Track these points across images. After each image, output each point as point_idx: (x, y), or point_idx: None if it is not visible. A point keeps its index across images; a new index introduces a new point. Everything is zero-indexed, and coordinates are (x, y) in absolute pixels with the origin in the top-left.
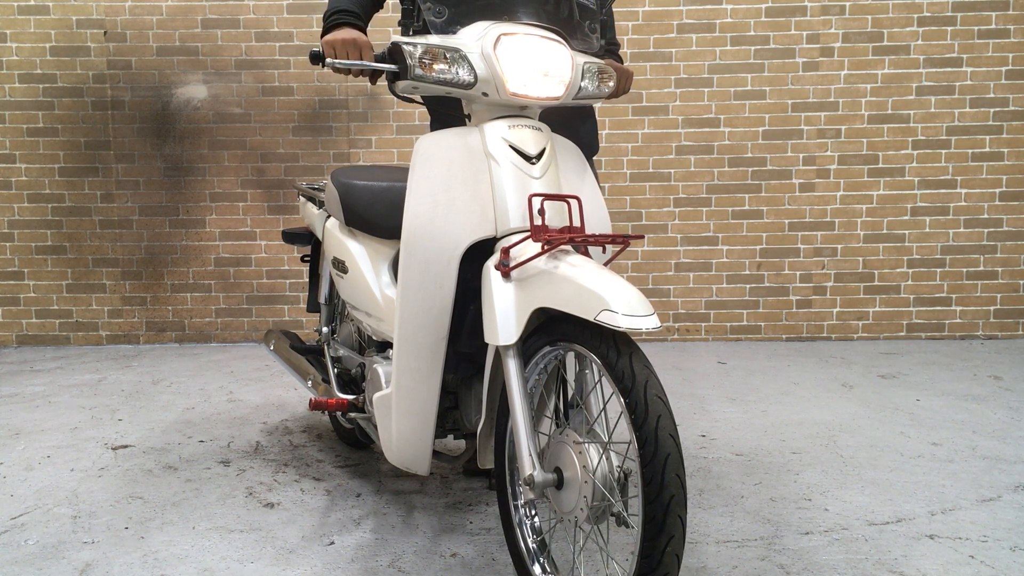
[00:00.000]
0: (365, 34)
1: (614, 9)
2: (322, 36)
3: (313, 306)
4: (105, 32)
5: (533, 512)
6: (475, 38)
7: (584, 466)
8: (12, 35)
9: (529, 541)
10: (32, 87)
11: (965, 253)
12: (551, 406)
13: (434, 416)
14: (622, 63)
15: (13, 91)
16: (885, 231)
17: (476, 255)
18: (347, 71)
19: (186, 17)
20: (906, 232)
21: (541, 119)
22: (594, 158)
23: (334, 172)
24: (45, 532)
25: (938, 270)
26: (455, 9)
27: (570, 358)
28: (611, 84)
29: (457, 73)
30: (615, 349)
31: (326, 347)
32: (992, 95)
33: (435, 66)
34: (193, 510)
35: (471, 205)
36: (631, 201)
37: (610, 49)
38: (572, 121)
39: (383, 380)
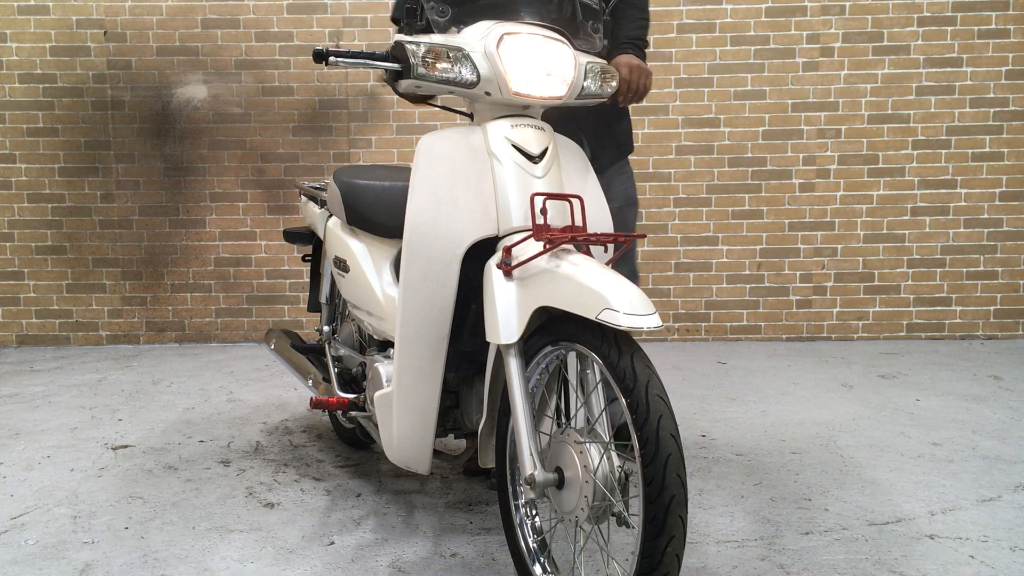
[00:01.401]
0: None
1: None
2: None
3: (314, 305)
4: (105, 32)
5: (534, 512)
6: (478, 37)
7: (585, 466)
8: (12, 35)
9: (530, 541)
10: (32, 87)
11: (965, 253)
12: (552, 406)
13: (435, 415)
14: (644, 58)
15: (13, 91)
16: (885, 231)
17: (478, 254)
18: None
19: (186, 17)
20: (906, 232)
21: (574, 119)
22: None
23: (336, 171)
24: (45, 532)
25: (938, 270)
26: (458, 8)
27: (571, 358)
28: (614, 84)
29: (460, 72)
30: (616, 349)
31: (327, 346)
32: (992, 95)
33: (438, 65)
34: (193, 510)
35: (473, 204)
36: None
37: (632, 43)
38: (608, 120)
39: (384, 379)
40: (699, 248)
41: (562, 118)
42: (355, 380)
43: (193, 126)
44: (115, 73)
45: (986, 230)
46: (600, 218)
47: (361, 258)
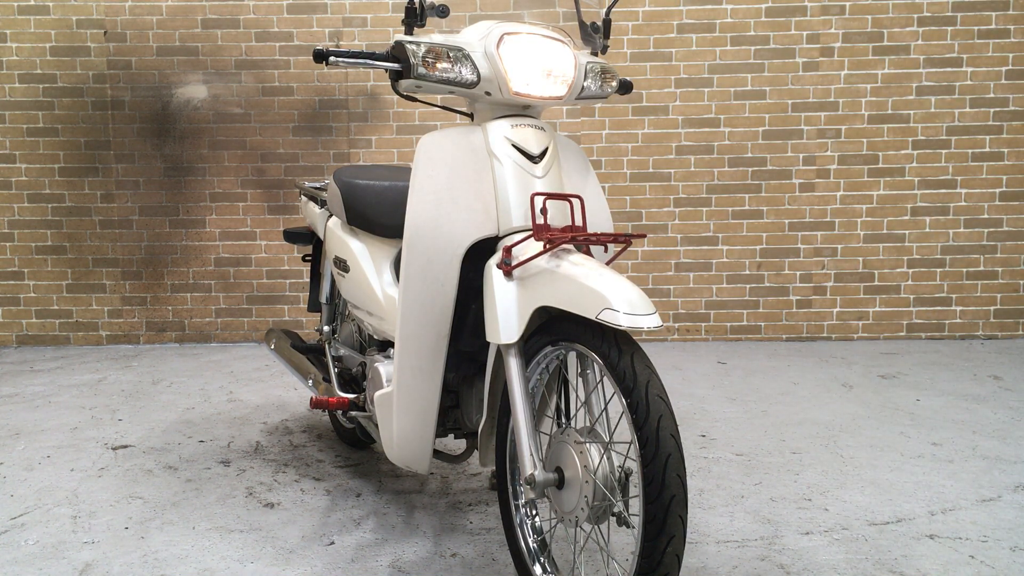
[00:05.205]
0: None
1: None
2: None
3: (314, 305)
4: (105, 32)
5: (534, 512)
6: (478, 37)
7: (585, 466)
8: (12, 35)
9: (530, 541)
10: (32, 87)
11: (965, 253)
12: (552, 406)
13: (435, 415)
14: None
15: (13, 91)
16: (885, 231)
17: (478, 254)
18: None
19: (186, 17)
20: (906, 232)
21: None
22: (593, 157)
23: (336, 171)
24: (45, 532)
25: (938, 270)
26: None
27: (571, 358)
28: (614, 84)
29: (460, 72)
30: (616, 348)
31: (327, 346)
32: (992, 95)
33: (438, 65)
34: (193, 510)
35: (473, 204)
36: (631, 201)
37: None
38: None
39: (384, 379)
40: (699, 248)
41: None
42: (355, 380)
43: (193, 126)
44: (115, 73)
45: (986, 230)
46: (600, 218)
47: (361, 258)
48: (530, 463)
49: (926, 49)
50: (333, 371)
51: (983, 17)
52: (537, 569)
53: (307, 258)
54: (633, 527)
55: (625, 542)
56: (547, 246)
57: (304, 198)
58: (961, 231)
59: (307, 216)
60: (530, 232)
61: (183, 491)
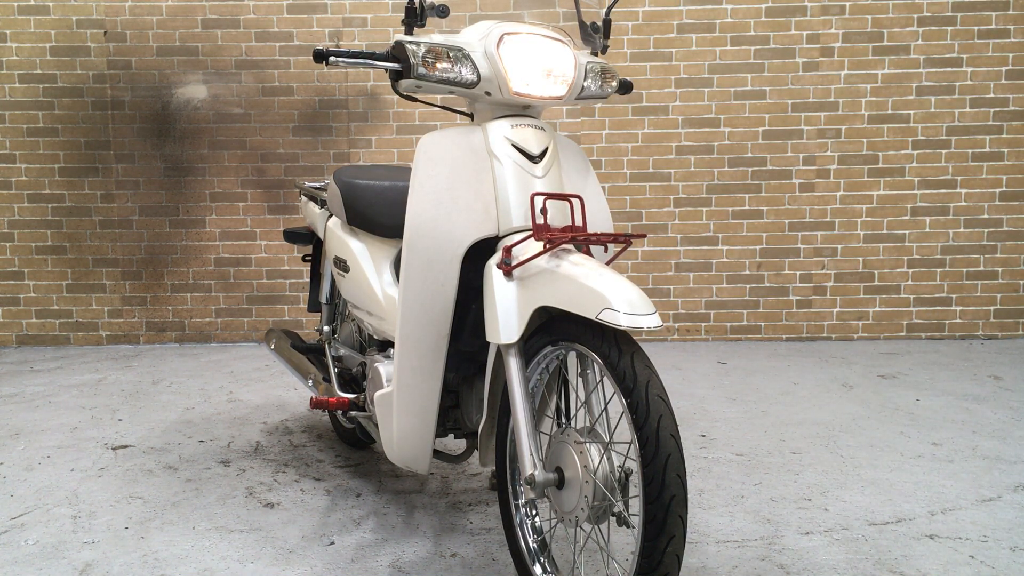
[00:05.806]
0: None
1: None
2: None
3: (314, 305)
4: (105, 32)
5: (534, 512)
6: (478, 37)
7: (585, 466)
8: (12, 35)
9: (530, 541)
10: (32, 87)
11: (965, 253)
12: (552, 406)
13: (435, 415)
14: None
15: (13, 91)
16: (885, 231)
17: (478, 254)
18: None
19: (186, 17)
20: (906, 232)
21: None
22: (593, 157)
23: (336, 171)
24: (45, 532)
25: (938, 270)
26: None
27: (571, 358)
28: (614, 84)
29: (460, 72)
30: (616, 348)
31: (327, 346)
32: (992, 95)
33: (438, 65)
34: (193, 510)
35: (473, 204)
36: (631, 201)
37: None
38: None
39: (384, 379)
40: (699, 248)
41: None
42: (355, 380)
43: (193, 126)
44: (115, 73)
45: (986, 230)
46: (600, 218)
47: (361, 258)
48: (530, 463)
49: (926, 49)
50: (333, 371)
51: (983, 17)
52: (537, 569)
53: (307, 258)
54: (633, 527)
55: (625, 542)
56: (547, 246)
57: (304, 198)
58: (961, 231)
59: (307, 216)
60: (530, 232)
61: (183, 491)
